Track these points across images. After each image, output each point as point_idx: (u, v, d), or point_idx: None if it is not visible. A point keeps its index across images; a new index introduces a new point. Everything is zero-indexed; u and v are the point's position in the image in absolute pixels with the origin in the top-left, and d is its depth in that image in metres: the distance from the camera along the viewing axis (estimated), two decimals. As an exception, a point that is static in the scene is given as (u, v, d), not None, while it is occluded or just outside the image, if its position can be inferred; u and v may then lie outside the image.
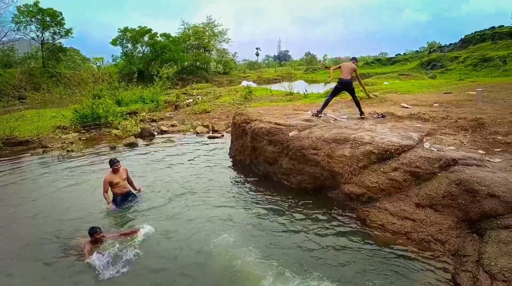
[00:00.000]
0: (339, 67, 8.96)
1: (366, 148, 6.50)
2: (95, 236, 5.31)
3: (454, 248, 4.82)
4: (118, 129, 14.15)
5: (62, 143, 12.60)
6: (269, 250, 5.12)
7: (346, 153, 6.64)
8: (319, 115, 9.02)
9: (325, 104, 9.20)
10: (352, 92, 8.89)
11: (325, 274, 4.51)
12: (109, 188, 6.78)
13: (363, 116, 8.95)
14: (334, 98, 9.67)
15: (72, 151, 11.52)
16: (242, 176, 8.55)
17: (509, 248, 4.10)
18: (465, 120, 8.07)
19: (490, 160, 5.80)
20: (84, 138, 13.60)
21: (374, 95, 12.16)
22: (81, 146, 12.12)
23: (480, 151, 6.22)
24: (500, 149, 6.32)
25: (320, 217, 6.12)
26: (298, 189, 7.25)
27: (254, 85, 29.80)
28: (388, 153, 6.29)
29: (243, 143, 9.33)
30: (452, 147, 6.38)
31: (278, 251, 5.12)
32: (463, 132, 7.46)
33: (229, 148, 10.67)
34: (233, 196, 7.24)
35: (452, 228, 5.05)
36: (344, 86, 8.77)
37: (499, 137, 6.80)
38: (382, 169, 6.21)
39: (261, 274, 4.53)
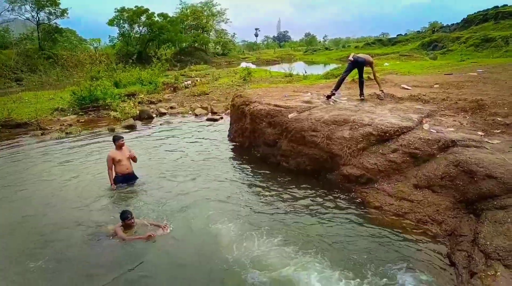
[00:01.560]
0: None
1: (366, 130, 6.49)
2: (126, 222, 5.15)
3: (451, 228, 4.88)
4: (116, 111, 14.09)
5: (60, 125, 12.56)
6: (266, 229, 5.17)
7: (346, 135, 6.63)
8: (333, 93, 8.77)
9: (339, 84, 8.88)
10: (362, 71, 8.82)
11: (321, 253, 4.58)
12: (113, 166, 6.78)
13: (362, 98, 8.88)
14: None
15: (71, 133, 11.50)
16: (241, 158, 8.57)
17: (505, 228, 4.15)
18: (465, 101, 8.02)
19: (489, 141, 5.79)
20: (83, 120, 13.55)
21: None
22: (80, 129, 12.09)
23: (479, 133, 6.21)
24: (499, 131, 6.31)
25: (318, 198, 6.17)
26: (297, 171, 7.27)
27: (253, 66, 29.49)
28: (387, 134, 6.29)
29: (242, 125, 9.31)
30: (452, 129, 6.37)
31: (275, 230, 5.17)
32: (462, 113, 7.43)
33: (228, 130, 10.65)
34: (232, 178, 7.28)
35: (449, 208, 5.10)
36: (357, 63, 8.60)
37: (498, 119, 6.78)
38: (381, 150, 6.22)
39: (260, 254, 4.60)
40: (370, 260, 4.43)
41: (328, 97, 8.77)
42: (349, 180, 6.37)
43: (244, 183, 6.99)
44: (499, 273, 3.64)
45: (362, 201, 5.92)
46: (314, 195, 6.29)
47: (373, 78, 9.50)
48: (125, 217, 5.17)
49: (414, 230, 5.07)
